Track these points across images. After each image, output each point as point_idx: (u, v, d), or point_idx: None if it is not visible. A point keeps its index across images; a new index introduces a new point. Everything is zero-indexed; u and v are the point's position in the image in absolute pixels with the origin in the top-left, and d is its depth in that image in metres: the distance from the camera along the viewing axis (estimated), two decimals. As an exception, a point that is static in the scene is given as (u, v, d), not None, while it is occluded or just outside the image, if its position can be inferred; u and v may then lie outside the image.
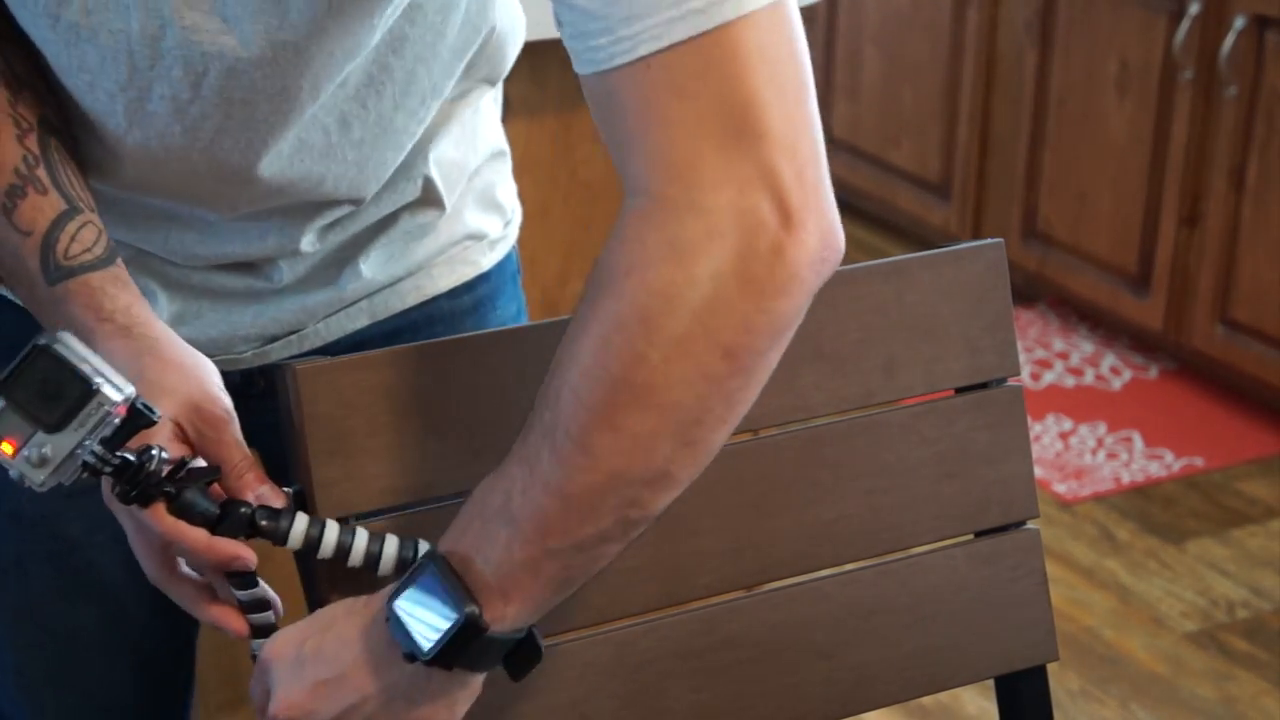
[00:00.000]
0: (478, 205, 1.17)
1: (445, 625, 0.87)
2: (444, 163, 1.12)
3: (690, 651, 1.07)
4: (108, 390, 0.88)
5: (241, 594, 0.96)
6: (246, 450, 0.96)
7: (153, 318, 0.98)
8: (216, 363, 1.10)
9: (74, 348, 0.89)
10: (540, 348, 1.03)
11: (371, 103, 1.01)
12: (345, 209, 1.08)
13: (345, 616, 0.92)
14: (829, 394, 1.09)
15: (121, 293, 0.98)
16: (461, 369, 1.01)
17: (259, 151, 1.00)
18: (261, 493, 0.95)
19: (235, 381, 1.12)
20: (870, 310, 1.10)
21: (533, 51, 1.70)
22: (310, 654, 0.91)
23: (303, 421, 0.97)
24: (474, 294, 1.18)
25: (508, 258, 1.21)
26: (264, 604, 0.97)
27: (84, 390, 0.88)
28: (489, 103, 1.16)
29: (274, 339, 1.12)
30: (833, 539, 1.10)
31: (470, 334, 1.05)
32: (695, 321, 0.81)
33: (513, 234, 1.21)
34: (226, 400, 0.96)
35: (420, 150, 1.10)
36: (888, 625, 1.12)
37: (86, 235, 0.98)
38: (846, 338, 1.10)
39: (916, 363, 1.11)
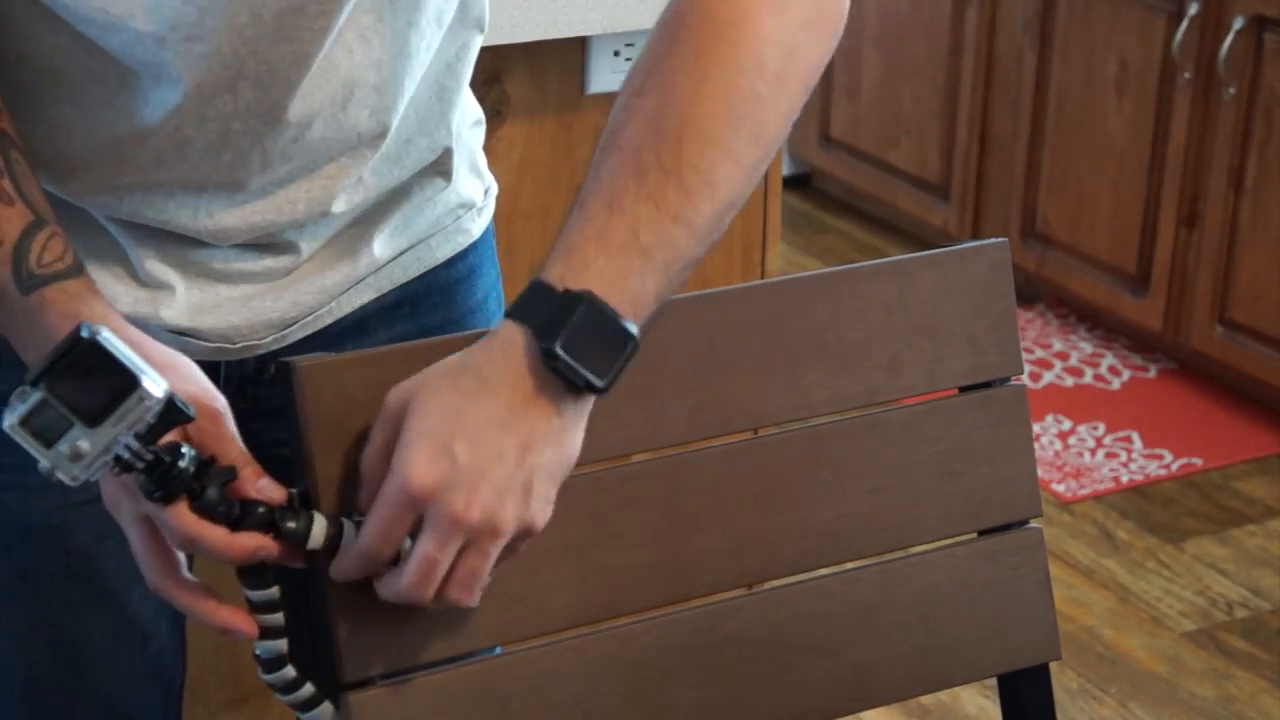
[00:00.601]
0: (469, 172, 1.18)
1: (617, 354, 0.91)
2: (455, 133, 1.13)
3: (692, 649, 1.07)
4: (149, 385, 0.88)
5: (255, 594, 0.96)
6: (243, 445, 0.96)
7: (127, 324, 0.97)
8: (237, 351, 1.10)
9: (115, 341, 0.88)
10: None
11: (387, 16, 1.01)
12: (369, 159, 1.07)
13: (478, 382, 0.91)
14: (832, 393, 1.10)
15: (96, 301, 0.97)
16: (465, 366, 1.02)
17: (296, 76, 1.00)
18: (261, 486, 0.95)
19: (250, 370, 1.12)
20: (873, 309, 1.10)
21: (533, 52, 1.70)
22: (452, 417, 0.91)
23: (307, 418, 0.97)
24: (466, 262, 1.18)
25: (489, 225, 1.22)
26: (276, 605, 0.97)
27: (127, 384, 0.87)
28: (472, 63, 1.16)
29: (293, 322, 1.11)
30: (835, 537, 1.10)
31: (474, 331, 1.05)
32: (791, 61, 0.96)
33: (493, 202, 1.22)
34: (220, 395, 0.96)
35: (442, 117, 1.11)
36: (890, 624, 1.12)
37: (56, 245, 0.97)
38: (849, 337, 1.10)
39: (920, 362, 1.11)
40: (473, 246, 1.19)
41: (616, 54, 1.72)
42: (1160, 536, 2.65)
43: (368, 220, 1.12)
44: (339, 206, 1.08)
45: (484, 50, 1.66)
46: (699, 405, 1.07)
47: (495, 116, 1.70)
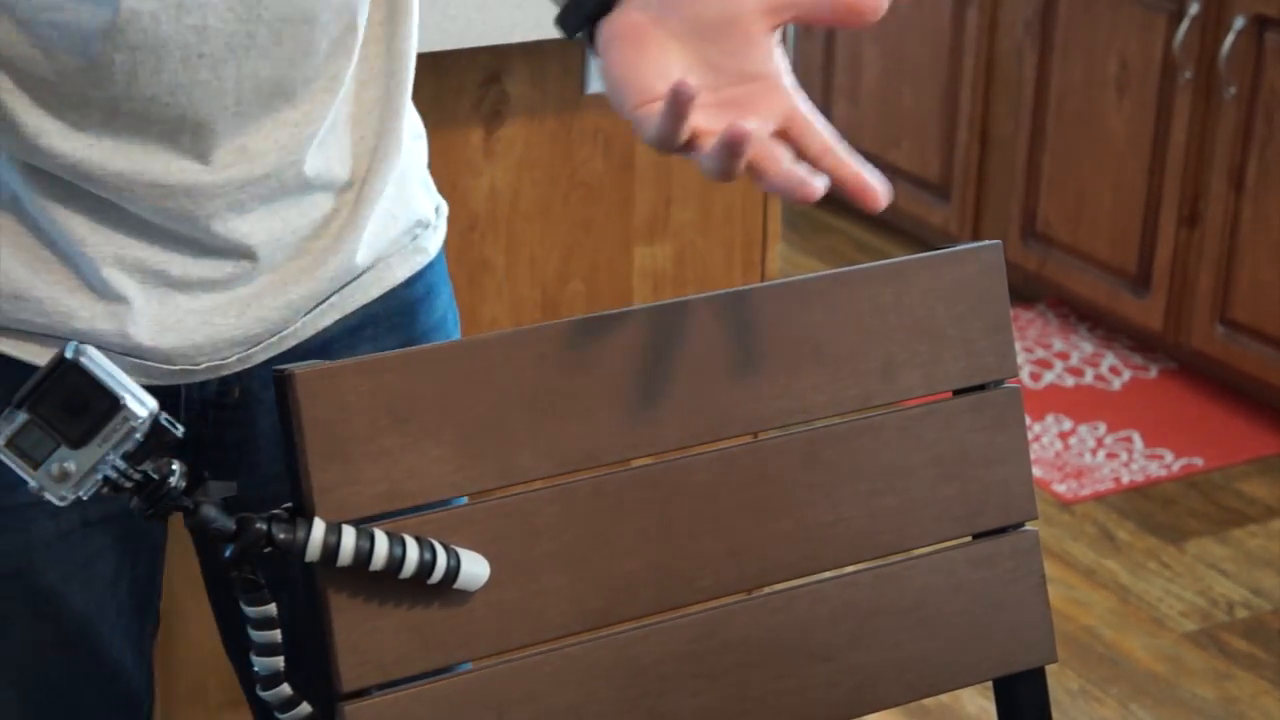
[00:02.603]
0: (421, 189, 1.18)
1: None
2: (401, 141, 1.12)
3: (690, 655, 1.07)
4: (133, 405, 0.88)
5: (251, 611, 0.96)
6: None
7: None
8: (201, 372, 1.09)
9: (100, 362, 0.88)
10: (541, 351, 1.03)
11: None
12: (332, 101, 1.05)
13: None
14: (828, 396, 1.09)
15: None
16: (461, 372, 1.01)
17: None
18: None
19: (211, 392, 1.12)
20: (868, 312, 1.10)
21: (532, 52, 1.70)
22: None
23: (302, 426, 0.97)
24: (424, 281, 1.18)
25: (443, 244, 1.22)
26: (273, 622, 0.97)
27: (110, 405, 0.88)
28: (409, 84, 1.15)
29: (257, 341, 1.11)
30: (832, 541, 1.10)
31: (470, 338, 1.05)
32: None
33: (444, 221, 1.22)
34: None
35: (396, 112, 1.10)
36: (887, 628, 1.12)
37: None
38: (845, 340, 1.10)
39: (915, 364, 1.11)
40: (429, 265, 1.18)
41: (616, 55, 1.72)
42: (1161, 537, 2.65)
43: (327, 234, 1.11)
44: (310, 167, 1.06)
45: (484, 50, 1.66)
46: (695, 409, 1.07)
47: (495, 116, 1.70)
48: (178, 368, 1.08)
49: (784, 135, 0.93)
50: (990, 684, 1.19)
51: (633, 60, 0.95)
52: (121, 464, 0.90)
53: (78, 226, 1.04)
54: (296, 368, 0.98)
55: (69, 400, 0.88)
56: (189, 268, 1.06)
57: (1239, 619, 2.44)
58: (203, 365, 1.08)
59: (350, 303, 1.13)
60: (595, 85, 1.73)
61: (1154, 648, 2.38)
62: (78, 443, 0.89)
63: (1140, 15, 2.99)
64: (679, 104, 0.88)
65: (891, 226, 3.67)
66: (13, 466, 0.89)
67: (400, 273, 1.15)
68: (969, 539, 1.15)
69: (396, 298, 1.16)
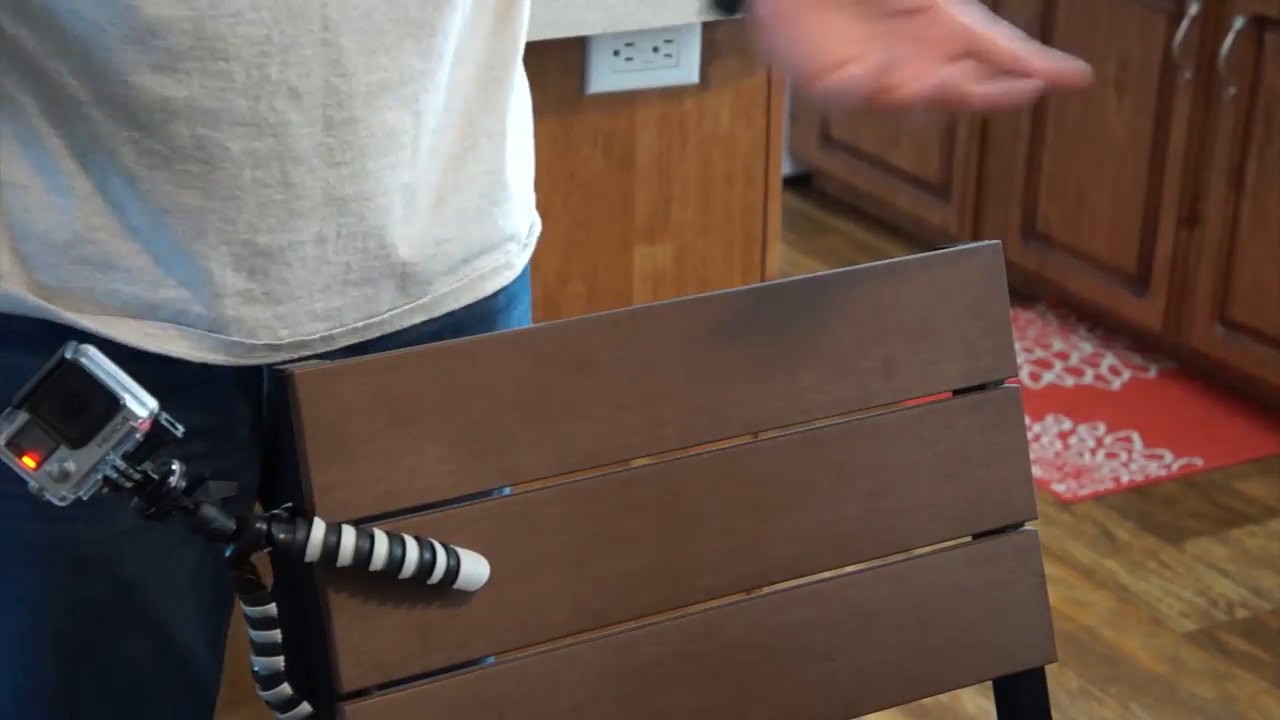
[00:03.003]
0: (521, 200, 1.18)
1: None
2: (512, 141, 1.13)
3: (690, 655, 1.07)
4: (133, 405, 0.88)
5: (252, 610, 0.96)
6: None
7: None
8: (284, 348, 1.05)
9: (100, 362, 0.89)
10: (541, 351, 1.03)
11: None
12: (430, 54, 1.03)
13: None
14: (827, 396, 1.10)
15: None
16: (461, 373, 1.02)
17: None
18: None
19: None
20: (868, 312, 1.10)
21: (532, 51, 1.70)
22: None
23: (303, 425, 0.97)
24: (507, 293, 1.18)
25: (529, 258, 1.22)
26: (273, 621, 0.97)
27: (110, 405, 0.88)
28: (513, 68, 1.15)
29: (342, 323, 1.07)
30: (832, 541, 1.10)
31: (470, 338, 1.06)
32: None
33: (535, 240, 1.23)
34: None
35: (495, 99, 1.10)
36: (887, 627, 1.12)
37: None
38: (845, 339, 1.10)
39: (914, 364, 1.11)
40: (517, 278, 1.19)
41: (616, 54, 1.72)
42: (1161, 537, 2.65)
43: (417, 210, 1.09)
44: (406, 127, 1.04)
45: (482, 52, 1.66)
46: (695, 409, 1.07)
47: (494, 118, 1.70)
48: (261, 343, 1.05)
49: (969, 56, 0.94)
50: (990, 684, 1.19)
51: (800, 33, 0.95)
52: (121, 464, 0.90)
53: (166, 193, 1.01)
54: (297, 367, 0.98)
55: (69, 400, 0.88)
56: (276, 231, 1.03)
57: (1238, 619, 2.44)
58: (285, 341, 1.05)
59: (439, 306, 1.12)
60: (595, 85, 1.73)
61: (1154, 647, 2.38)
62: (78, 442, 0.89)
63: (1140, 15, 2.99)
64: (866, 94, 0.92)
65: (891, 226, 3.67)
66: (12, 466, 0.90)
67: (489, 286, 1.15)
68: (969, 539, 1.15)
69: (482, 305, 1.15)
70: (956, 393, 1.14)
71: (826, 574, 1.11)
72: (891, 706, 1.14)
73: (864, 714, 1.12)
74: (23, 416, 0.89)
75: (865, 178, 3.66)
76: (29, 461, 0.89)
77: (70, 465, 0.89)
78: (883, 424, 1.11)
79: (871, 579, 1.12)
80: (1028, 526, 1.16)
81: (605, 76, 1.73)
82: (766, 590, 1.10)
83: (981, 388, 1.14)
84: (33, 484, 0.90)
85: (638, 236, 1.77)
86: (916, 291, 1.11)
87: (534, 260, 1.73)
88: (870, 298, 1.10)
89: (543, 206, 1.73)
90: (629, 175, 1.75)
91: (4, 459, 0.89)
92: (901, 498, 1.12)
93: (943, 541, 1.14)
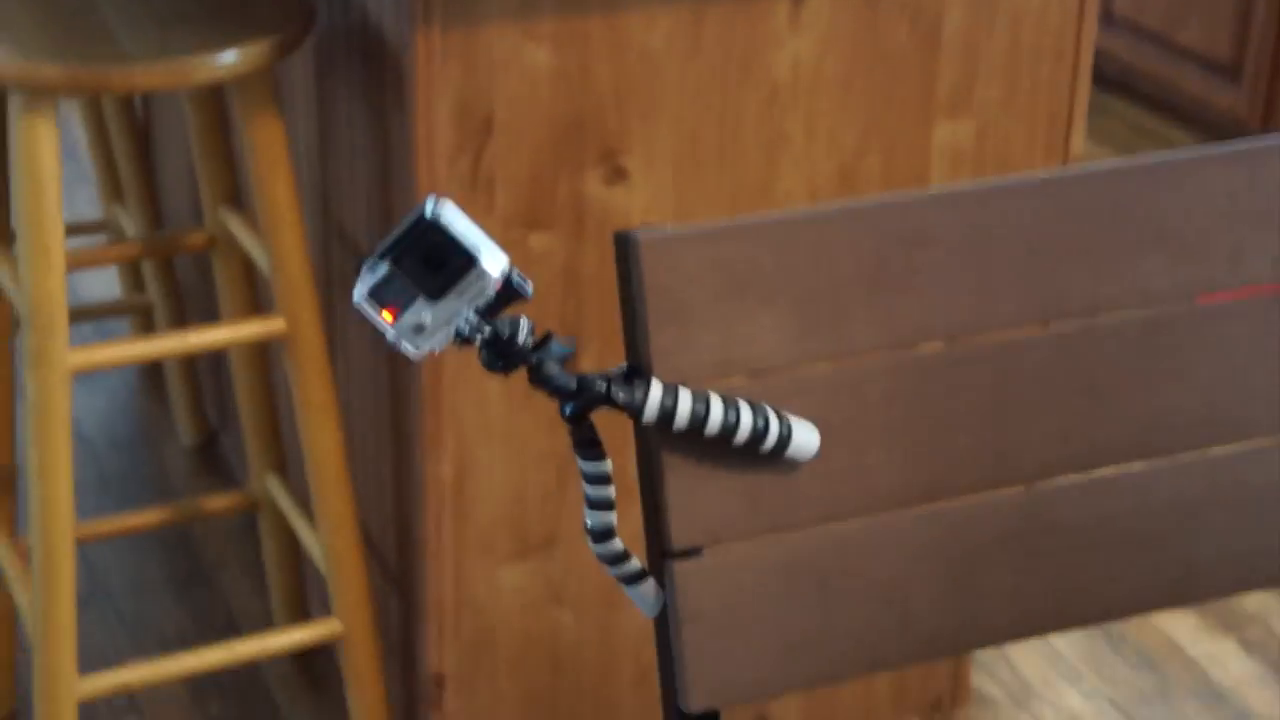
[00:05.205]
0: None
1: None
2: None
3: (1013, 535, 1.06)
4: (487, 262, 0.90)
5: (588, 467, 0.98)
6: None
7: None
8: None
9: (457, 218, 0.91)
10: (878, 225, 1.02)
11: None
12: None
13: None
14: (1170, 281, 1.06)
15: None
16: (799, 244, 1.01)
17: None
18: None
19: None
20: (1218, 196, 1.06)
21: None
22: None
23: (644, 291, 0.98)
24: None
25: None
26: (608, 478, 0.99)
27: (466, 261, 0.90)
28: None
29: None
30: (1165, 429, 1.08)
31: (810, 209, 1.05)
32: None
33: None
34: None
35: None
36: (1216, 519, 1.10)
37: None
38: (1192, 224, 1.06)
39: (1264, 252, 1.07)
40: None
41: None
42: None
43: None
44: None
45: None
46: (1032, 290, 1.05)
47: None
48: None
49: None
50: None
51: None
52: (474, 318, 0.92)
53: None
54: (640, 232, 0.99)
55: (428, 255, 0.91)
56: None
57: None
58: None
59: None
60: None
61: None
62: (435, 295, 0.91)
63: None
64: None
65: (1173, 109, 3.53)
66: (372, 318, 0.93)
67: None
68: (1308, 433, 1.11)
69: None
70: (1305, 282, 1.10)
71: (1158, 462, 1.08)
72: (1215, 599, 1.12)
73: (1186, 605, 1.10)
74: (385, 268, 0.91)
75: (1148, 58, 3.52)
76: (387, 316, 0.92)
77: (426, 318, 0.92)
78: (1227, 312, 1.08)
79: (1204, 469, 1.09)
80: (1370, 423, 1.12)
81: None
82: (1096, 475, 1.08)
83: (1334, 277, 1.09)
84: (391, 334, 0.93)
85: (940, 111, 1.73)
86: (1272, 177, 1.07)
87: (832, 133, 1.71)
88: (1222, 181, 1.06)
89: (844, 79, 1.71)
90: (934, 48, 1.71)
91: (366, 311, 0.92)
92: (1240, 388, 1.08)
93: (1281, 435, 1.11)
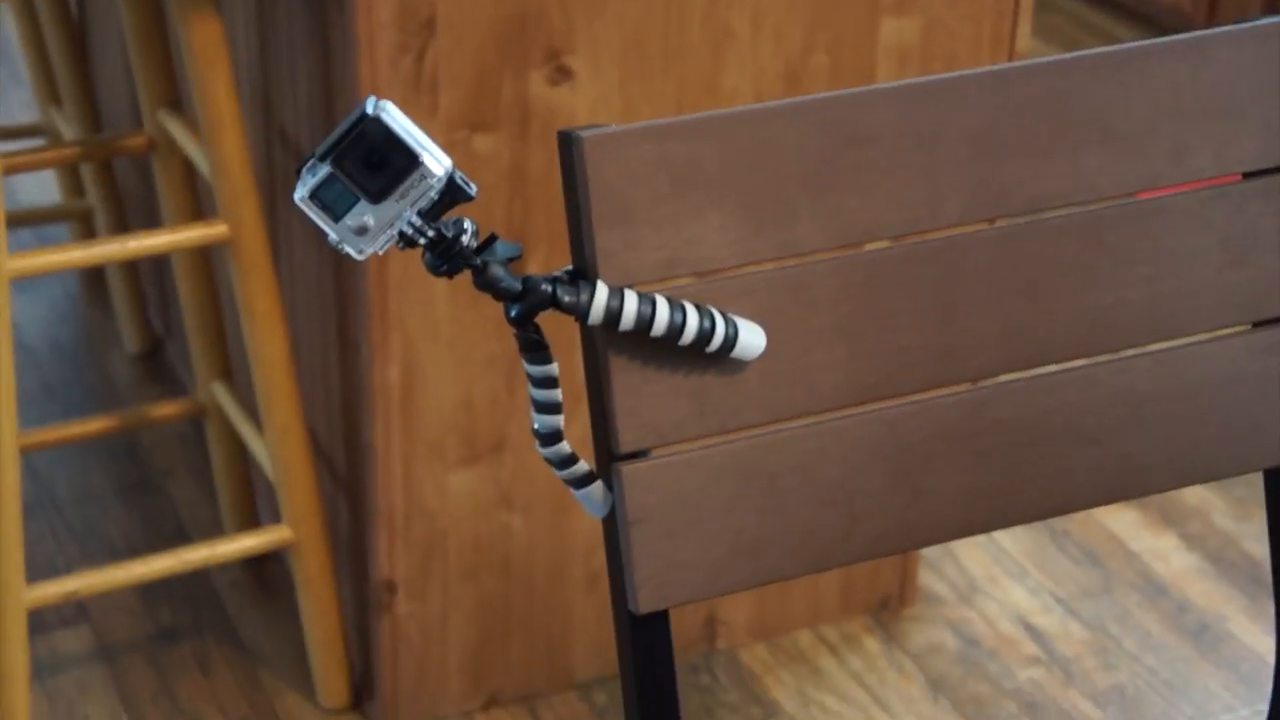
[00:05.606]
0: None
1: None
2: None
3: (959, 433, 1.07)
4: (429, 163, 0.89)
5: (534, 370, 0.98)
6: None
7: None
8: None
9: (399, 118, 0.89)
10: (822, 121, 1.01)
11: None
12: None
13: None
14: (1113, 176, 1.06)
15: None
16: (743, 142, 1.01)
17: None
18: None
19: None
20: (1162, 90, 1.06)
21: None
22: None
23: (588, 191, 0.97)
24: None
25: None
26: (554, 381, 0.98)
27: (409, 161, 0.89)
28: None
29: None
30: (1109, 325, 1.08)
31: (754, 107, 1.04)
32: None
33: None
34: None
35: None
36: (1159, 414, 1.10)
37: None
38: (1134, 118, 1.06)
39: (1207, 145, 1.07)
40: None
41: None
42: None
43: None
44: None
45: None
46: (976, 186, 1.05)
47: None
48: None
49: None
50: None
51: None
52: (417, 220, 0.91)
53: None
54: (584, 131, 0.98)
55: (369, 155, 0.90)
56: None
57: None
58: None
59: None
60: None
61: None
62: (377, 197, 0.90)
63: None
64: None
65: (1118, 5, 3.53)
66: (314, 218, 0.92)
67: None
68: (1249, 327, 1.12)
69: None
70: (1248, 176, 1.10)
71: (1101, 358, 1.09)
72: (1157, 493, 1.13)
73: (1130, 499, 1.12)
74: (325, 169, 0.90)
75: (1095, -46, 3.51)
76: (329, 215, 0.91)
77: (369, 219, 0.91)
78: (1169, 206, 1.08)
79: (1147, 364, 1.10)
80: (1311, 317, 1.13)
81: None
82: (1039, 372, 1.09)
83: (1277, 170, 1.10)
84: (333, 236, 0.92)
85: (885, 8, 1.72)
86: (1217, 68, 1.06)
87: (778, 31, 1.70)
88: (1165, 74, 1.06)
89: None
90: (880, -56, 1.70)
91: (308, 211, 0.91)
92: (1183, 283, 1.09)
93: (1223, 329, 1.11)
